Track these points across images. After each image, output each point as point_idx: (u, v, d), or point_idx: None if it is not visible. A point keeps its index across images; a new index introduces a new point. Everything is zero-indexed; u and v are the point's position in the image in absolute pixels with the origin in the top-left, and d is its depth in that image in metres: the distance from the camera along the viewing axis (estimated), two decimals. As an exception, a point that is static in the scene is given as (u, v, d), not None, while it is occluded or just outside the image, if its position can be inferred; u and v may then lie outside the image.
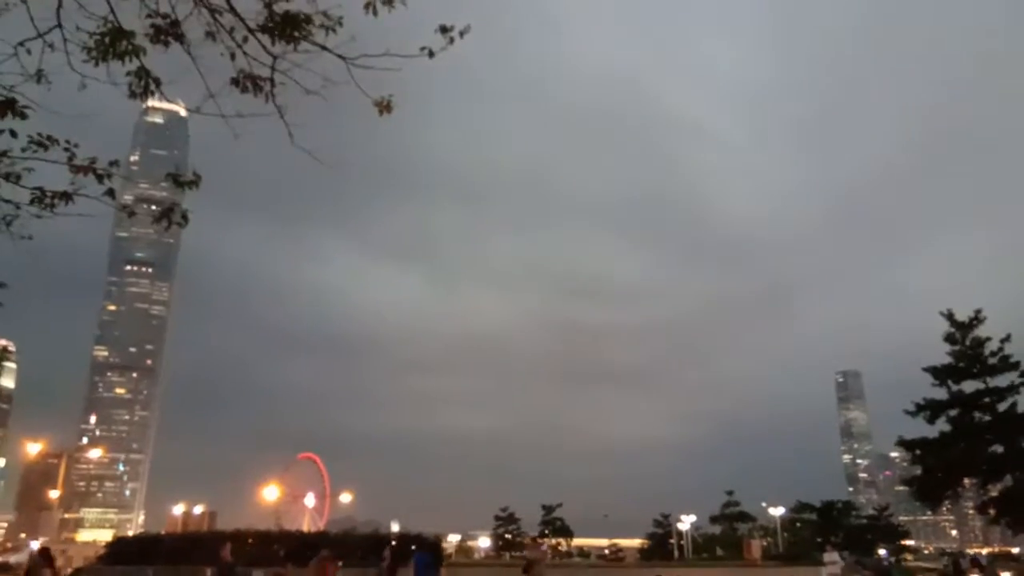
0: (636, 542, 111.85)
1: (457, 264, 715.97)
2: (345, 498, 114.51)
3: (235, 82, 7.50)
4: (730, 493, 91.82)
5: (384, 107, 7.82)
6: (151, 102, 8.11)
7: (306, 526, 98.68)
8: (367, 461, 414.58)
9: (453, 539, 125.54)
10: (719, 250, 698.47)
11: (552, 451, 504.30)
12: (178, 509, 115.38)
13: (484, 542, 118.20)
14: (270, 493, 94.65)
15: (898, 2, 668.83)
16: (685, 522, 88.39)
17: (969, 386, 50.32)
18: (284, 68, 7.49)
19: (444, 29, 7.57)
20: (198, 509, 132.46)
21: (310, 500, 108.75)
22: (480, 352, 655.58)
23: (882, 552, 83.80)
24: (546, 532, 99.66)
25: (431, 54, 7.57)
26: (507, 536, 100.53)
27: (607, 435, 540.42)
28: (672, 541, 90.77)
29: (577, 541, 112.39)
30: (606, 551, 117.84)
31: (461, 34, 7.62)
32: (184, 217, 7.77)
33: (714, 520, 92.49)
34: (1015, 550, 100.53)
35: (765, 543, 78.24)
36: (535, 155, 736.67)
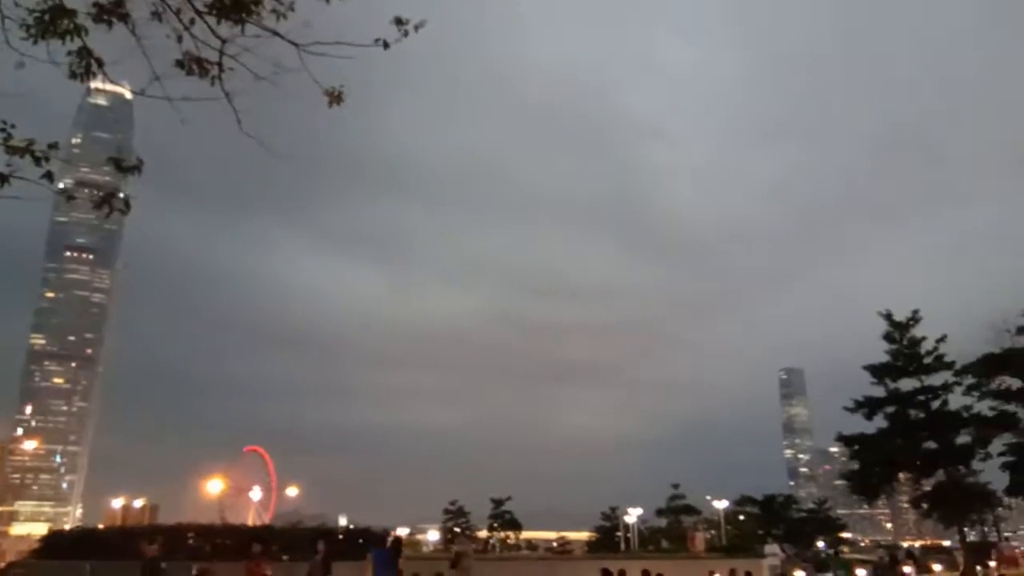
0: (584, 535, 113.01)
1: (417, 259, 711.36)
2: (292, 492, 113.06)
3: (180, 64, 7.31)
4: (676, 487, 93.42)
5: (335, 97, 7.71)
6: (95, 83, 7.89)
7: (251, 520, 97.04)
8: (318, 455, 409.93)
9: (401, 532, 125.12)
10: (675, 250, 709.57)
11: (507, 446, 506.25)
12: (117, 503, 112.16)
13: (433, 536, 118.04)
14: (213, 487, 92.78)
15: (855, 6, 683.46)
16: (632, 515, 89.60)
17: (906, 384, 52.21)
18: (234, 52, 7.32)
19: (399, 21, 7.50)
20: (138, 503, 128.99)
21: (256, 494, 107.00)
22: (438, 347, 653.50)
23: (820, 544, 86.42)
24: (495, 525, 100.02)
25: (386, 45, 7.49)
26: (456, 529, 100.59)
27: (561, 430, 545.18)
28: (619, 534, 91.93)
29: (526, 534, 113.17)
30: (554, 544, 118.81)
31: (416, 27, 7.56)
32: (126, 203, 7.53)
33: (660, 513, 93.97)
34: (946, 543, 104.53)
35: (709, 535, 79.82)
36: (497, 152, 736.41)
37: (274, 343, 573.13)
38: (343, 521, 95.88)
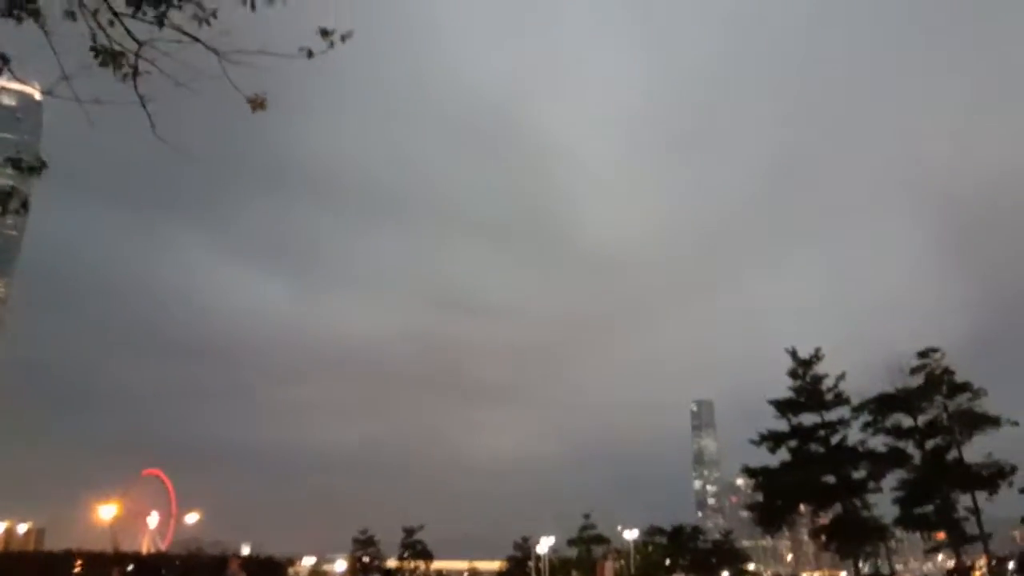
0: (496, 564, 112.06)
1: (328, 269, 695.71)
2: (192, 517, 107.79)
3: (95, 51, 7.01)
4: (587, 516, 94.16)
5: (258, 104, 7.60)
6: (1, 81, 7.49)
7: (145, 547, 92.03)
8: (221, 474, 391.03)
9: (308, 562, 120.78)
10: (589, 271, 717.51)
11: (419, 466, 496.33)
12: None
13: (341, 565, 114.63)
14: (107, 511, 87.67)
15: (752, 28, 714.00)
16: (543, 545, 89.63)
17: (807, 419, 54.48)
18: (151, 57, 7.14)
19: (324, 32, 7.50)
20: (23, 527, 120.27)
21: (153, 519, 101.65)
22: (349, 362, 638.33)
23: (725, 575, 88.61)
24: (405, 555, 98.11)
25: (310, 54, 7.46)
26: (364, 559, 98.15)
27: (472, 450, 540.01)
28: (531, 564, 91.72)
29: (437, 564, 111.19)
30: (465, 574, 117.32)
31: (343, 38, 7.57)
32: (23, 204, 7.18)
33: (571, 543, 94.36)
34: (842, 574, 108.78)
35: (618, 565, 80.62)
36: (409, 163, 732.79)
37: (178, 354, 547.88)
38: (246, 550, 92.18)
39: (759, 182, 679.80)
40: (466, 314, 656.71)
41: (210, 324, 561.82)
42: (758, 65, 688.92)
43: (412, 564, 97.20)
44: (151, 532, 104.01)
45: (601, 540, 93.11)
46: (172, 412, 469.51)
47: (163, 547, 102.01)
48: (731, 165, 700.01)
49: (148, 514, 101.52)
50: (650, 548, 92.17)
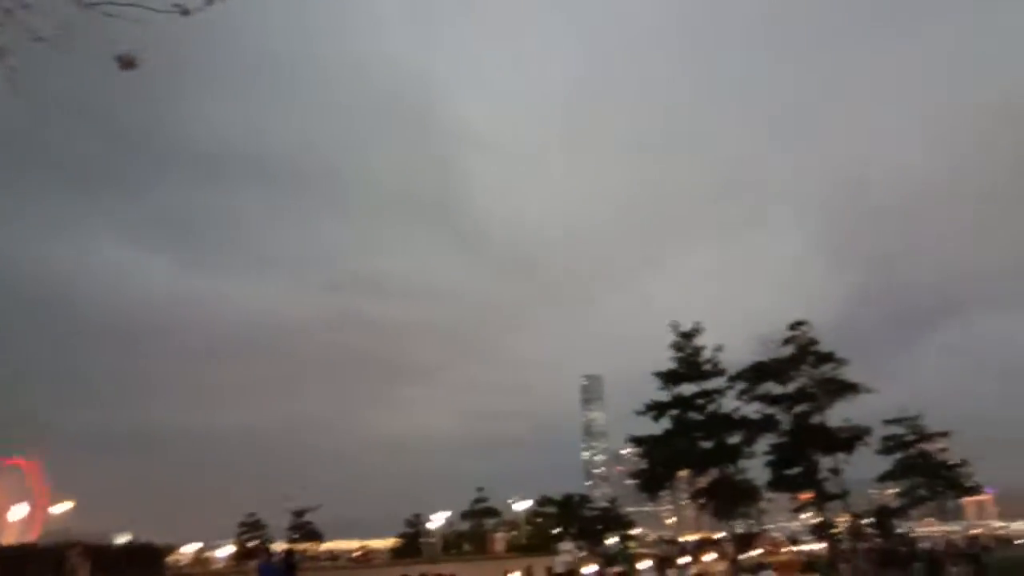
0: (388, 542, 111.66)
1: (241, 249, 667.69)
2: (63, 507, 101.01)
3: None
4: (480, 490, 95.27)
5: (127, 63, 7.12)
6: None
7: (5, 539, 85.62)
8: (100, 462, 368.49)
9: (191, 548, 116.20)
10: (500, 253, 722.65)
11: (320, 452, 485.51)
12: None
13: (227, 551, 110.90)
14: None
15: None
16: (435, 520, 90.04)
17: (687, 389, 57.22)
18: (7, 6, 6.55)
19: None
20: None
21: (20, 510, 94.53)
22: (255, 345, 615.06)
23: (612, 540, 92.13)
24: (294, 537, 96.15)
25: (185, 12, 7.04)
26: (251, 544, 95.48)
27: (375, 434, 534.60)
28: (424, 540, 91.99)
29: (327, 545, 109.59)
30: (356, 553, 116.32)
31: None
32: None
33: (464, 517, 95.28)
34: (719, 535, 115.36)
35: (511, 536, 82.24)
36: (328, 149, 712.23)
37: (74, 336, 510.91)
38: (123, 538, 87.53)
39: (664, 176, 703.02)
40: (382, 296, 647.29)
41: (111, 305, 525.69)
42: (672, 64, 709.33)
43: (302, 546, 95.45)
44: (16, 523, 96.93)
45: (493, 513, 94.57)
46: (64, 396, 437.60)
47: (32, 538, 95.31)
48: (646, 160, 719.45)
49: (12, 504, 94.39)
50: (540, 518, 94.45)
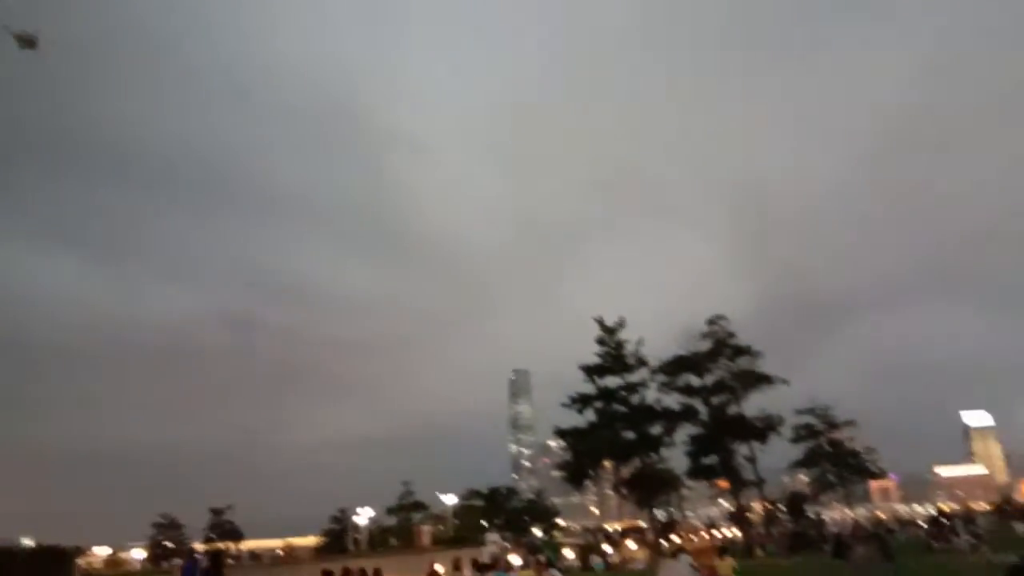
0: (312, 540, 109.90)
1: (146, 254, 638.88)
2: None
3: None
4: (406, 484, 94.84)
5: (27, 41, 6.83)
6: None
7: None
8: (12, 471, 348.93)
9: (102, 551, 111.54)
10: (426, 261, 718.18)
11: (237, 461, 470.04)
12: None
13: (141, 553, 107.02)
14: None
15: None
16: (362, 516, 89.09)
17: (612, 382, 58.40)
18: None
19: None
20: None
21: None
22: (166, 352, 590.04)
23: (538, 532, 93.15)
24: (212, 536, 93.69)
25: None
26: (167, 544, 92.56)
27: (298, 440, 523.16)
28: (353, 536, 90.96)
29: (249, 543, 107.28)
30: (279, 551, 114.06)
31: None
32: None
33: (391, 512, 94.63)
34: (641, 523, 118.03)
35: (437, 529, 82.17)
36: (247, 153, 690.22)
37: None
38: (28, 541, 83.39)
39: (591, 187, 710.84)
40: (301, 304, 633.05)
41: (6, 313, 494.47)
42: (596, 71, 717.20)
43: (222, 544, 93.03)
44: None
45: (420, 507, 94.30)
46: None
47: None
48: (568, 170, 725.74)
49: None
50: (468, 512, 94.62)
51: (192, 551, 36.85)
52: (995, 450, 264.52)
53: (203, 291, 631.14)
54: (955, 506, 78.04)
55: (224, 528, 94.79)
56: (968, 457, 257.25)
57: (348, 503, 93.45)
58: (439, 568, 27.15)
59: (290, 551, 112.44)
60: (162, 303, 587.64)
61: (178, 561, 73.24)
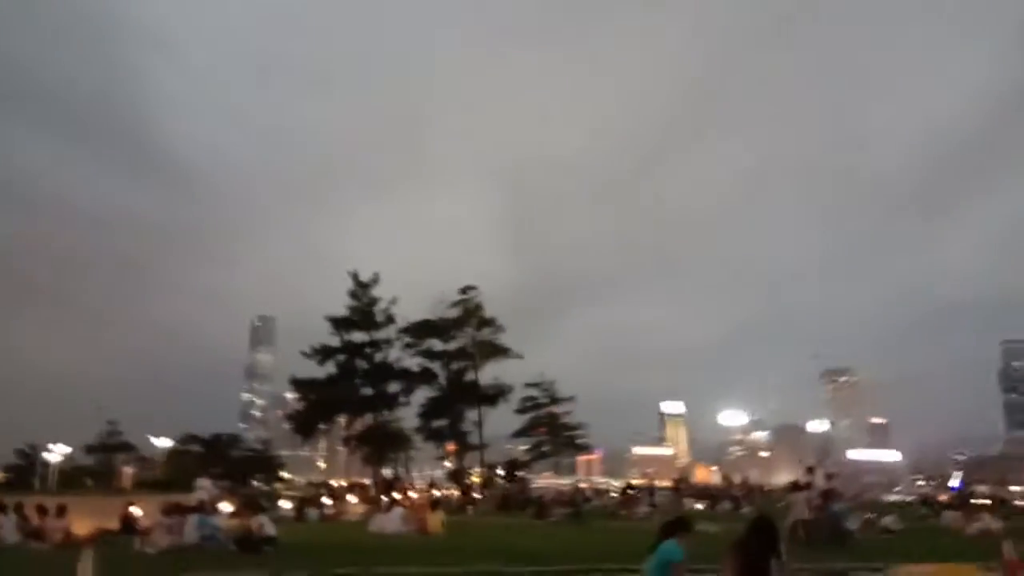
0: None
1: None
2: None
3: None
4: (112, 423, 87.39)
5: None
6: None
7: None
8: None
9: None
10: (169, 178, 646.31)
11: None
12: None
13: None
14: None
15: None
16: (55, 452, 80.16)
17: (359, 337, 58.31)
18: None
19: None
20: None
21: None
22: None
23: (256, 483, 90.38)
24: None
25: None
26: None
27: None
28: (38, 472, 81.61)
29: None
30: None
31: None
32: None
33: (91, 451, 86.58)
34: (366, 480, 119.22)
35: (140, 472, 76.91)
36: None
37: None
38: None
39: (367, 131, 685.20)
40: (40, 216, 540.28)
41: None
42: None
43: None
44: None
45: (126, 447, 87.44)
46: None
47: None
48: (349, 103, 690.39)
49: None
50: (181, 457, 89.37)
51: None
52: (683, 436, 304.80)
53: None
54: (643, 481, 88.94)
55: None
56: (661, 441, 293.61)
57: (40, 439, 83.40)
58: (136, 511, 25.22)
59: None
60: None
61: None
